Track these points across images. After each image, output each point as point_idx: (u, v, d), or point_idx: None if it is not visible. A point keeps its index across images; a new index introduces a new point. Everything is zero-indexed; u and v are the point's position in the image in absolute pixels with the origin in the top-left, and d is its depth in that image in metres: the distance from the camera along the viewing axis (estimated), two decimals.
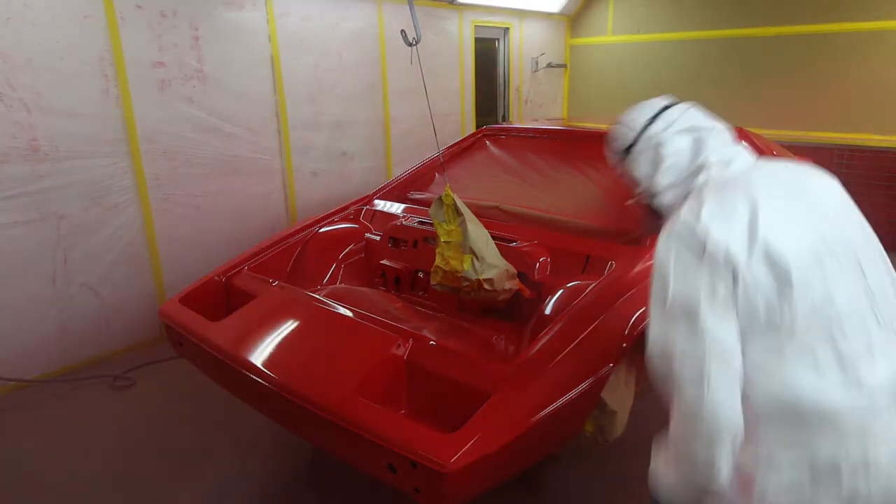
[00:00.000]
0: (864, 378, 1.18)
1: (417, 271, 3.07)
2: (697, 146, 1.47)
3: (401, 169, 5.43)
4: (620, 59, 7.55)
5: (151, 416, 3.28)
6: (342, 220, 3.50)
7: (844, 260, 1.26)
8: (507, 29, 6.93)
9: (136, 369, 3.76)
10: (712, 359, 1.19)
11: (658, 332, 1.31)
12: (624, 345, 2.26)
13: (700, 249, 1.24)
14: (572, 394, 2.02)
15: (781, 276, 1.19)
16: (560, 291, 2.53)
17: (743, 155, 1.45)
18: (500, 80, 7.15)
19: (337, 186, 5.19)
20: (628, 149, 1.64)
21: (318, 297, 2.67)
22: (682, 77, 7.07)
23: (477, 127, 6.57)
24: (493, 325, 2.74)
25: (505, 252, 2.71)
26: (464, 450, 1.73)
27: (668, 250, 1.32)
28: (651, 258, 2.79)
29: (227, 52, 4.22)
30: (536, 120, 5.65)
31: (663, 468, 1.41)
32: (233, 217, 4.43)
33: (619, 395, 2.50)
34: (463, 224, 2.49)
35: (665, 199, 1.51)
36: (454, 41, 6.20)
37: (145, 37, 3.76)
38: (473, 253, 2.47)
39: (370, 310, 2.54)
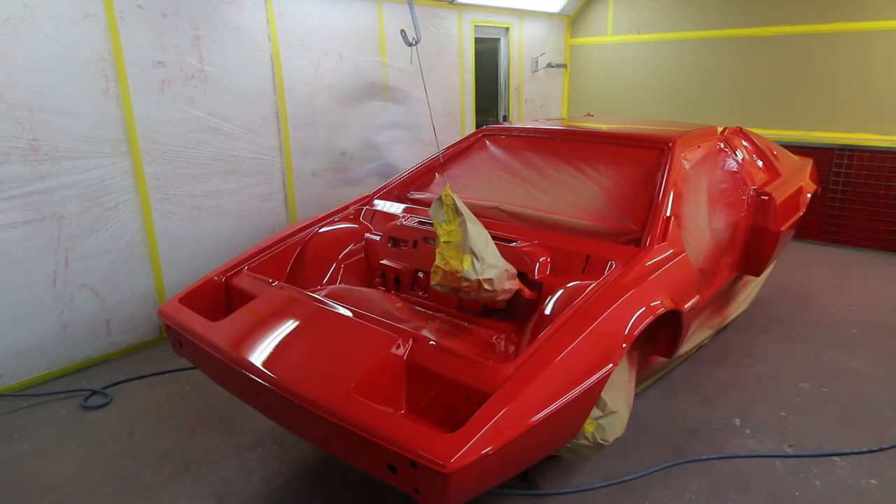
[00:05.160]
0: None
1: (417, 271, 3.08)
2: None
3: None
4: (620, 59, 7.54)
5: (151, 417, 3.28)
6: (342, 220, 3.50)
7: None
8: (507, 29, 6.93)
9: (137, 379, 3.76)
10: None
11: None
12: (624, 345, 2.26)
13: None
14: (572, 394, 2.02)
15: None
16: (560, 291, 2.53)
17: None
18: (500, 80, 7.15)
19: (337, 186, 5.18)
20: None
21: (318, 297, 2.67)
22: (682, 77, 7.07)
23: (477, 127, 6.57)
24: (493, 325, 2.74)
25: (505, 252, 2.71)
26: (464, 450, 1.73)
27: None
28: (651, 258, 2.80)
29: (228, 52, 4.22)
30: (536, 120, 5.65)
31: None
32: (233, 217, 4.43)
33: (619, 395, 2.50)
34: (463, 224, 2.49)
35: None
36: (454, 41, 6.20)
37: (146, 36, 3.76)
38: (473, 253, 2.47)
39: (370, 310, 2.54)
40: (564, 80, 8.01)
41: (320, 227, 3.38)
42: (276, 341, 2.38)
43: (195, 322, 2.60)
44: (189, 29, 3.97)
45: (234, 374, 2.32)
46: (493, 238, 2.65)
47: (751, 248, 3.56)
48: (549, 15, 7.42)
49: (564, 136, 3.77)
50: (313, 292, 2.81)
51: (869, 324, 4.25)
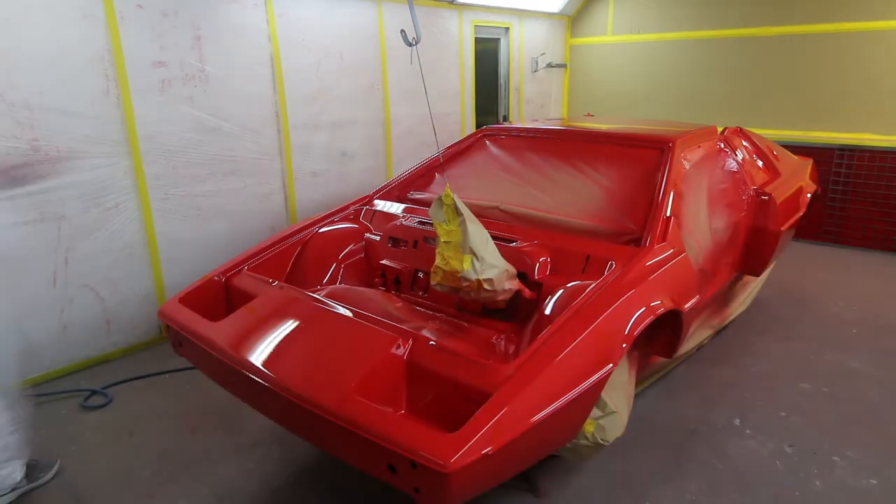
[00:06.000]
0: None
1: (417, 271, 3.07)
2: None
3: (401, 169, 5.44)
4: (620, 59, 7.54)
5: (151, 417, 3.28)
6: (342, 220, 3.50)
7: None
8: (507, 29, 6.93)
9: (137, 379, 3.76)
10: None
11: None
12: (624, 345, 2.26)
13: None
14: (572, 394, 2.02)
15: None
16: (560, 291, 2.53)
17: None
18: (500, 80, 7.15)
19: (337, 186, 5.19)
20: None
21: (318, 297, 2.66)
22: (682, 77, 7.07)
23: (477, 127, 6.58)
24: (493, 325, 2.74)
25: (505, 252, 2.71)
26: (464, 450, 1.73)
27: None
28: (651, 258, 2.80)
29: (228, 52, 4.22)
30: (536, 120, 5.65)
31: None
32: (233, 217, 4.43)
33: (619, 395, 2.50)
34: (463, 224, 2.49)
35: None
36: (454, 41, 6.20)
37: (146, 36, 3.76)
38: (473, 253, 2.47)
39: (370, 310, 2.54)
40: (564, 80, 8.01)
41: (320, 227, 3.38)
42: (276, 341, 2.38)
43: (195, 322, 2.60)
44: (189, 29, 3.97)
45: (234, 375, 2.32)
46: (493, 238, 2.64)
47: (751, 248, 3.56)
48: (549, 15, 7.42)
49: (564, 136, 3.77)
50: (313, 292, 2.81)
51: (869, 324, 4.25)
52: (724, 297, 3.62)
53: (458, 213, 2.50)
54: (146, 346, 4.08)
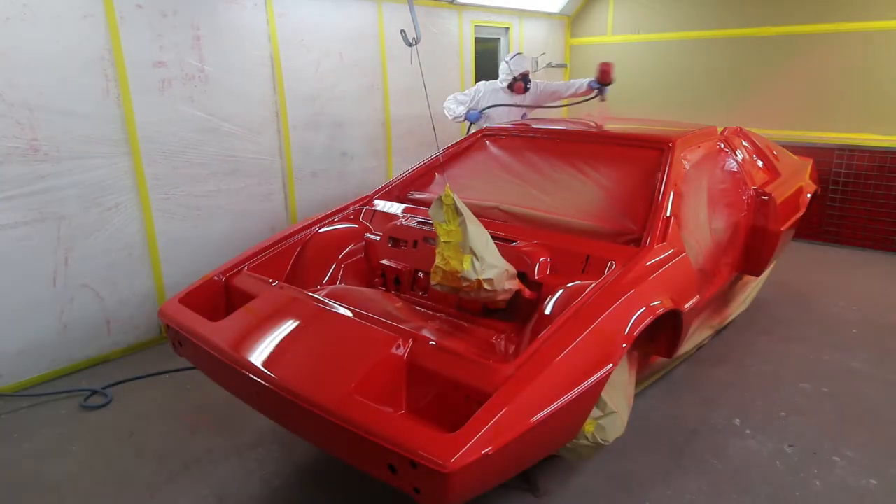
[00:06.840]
0: None
1: (417, 271, 3.07)
2: None
3: (401, 169, 5.44)
4: (620, 59, 7.52)
5: (151, 417, 3.28)
6: (342, 220, 3.50)
7: None
8: (508, 29, 6.94)
9: (137, 379, 3.76)
10: None
11: None
12: (624, 345, 2.26)
13: None
14: (572, 394, 2.02)
15: None
16: (560, 291, 2.53)
17: None
18: None
19: (337, 186, 5.19)
20: None
21: (318, 297, 2.66)
22: (682, 77, 7.07)
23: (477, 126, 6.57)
24: (493, 325, 2.74)
25: (505, 252, 2.71)
26: (464, 450, 1.73)
27: None
28: (651, 258, 2.81)
29: (228, 52, 4.22)
30: (536, 120, 5.64)
31: None
32: (233, 217, 4.43)
33: (619, 395, 2.51)
34: (463, 224, 2.49)
35: None
36: (454, 41, 6.21)
37: (146, 36, 3.76)
38: (473, 253, 2.47)
39: (370, 310, 2.54)
40: (564, 81, 8.00)
41: (320, 227, 3.38)
42: (276, 341, 2.38)
43: (195, 322, 2.60)
44: (189, 29, 3.97)
45: (234, 374, 2.32)
46: (493, 238, 2.64)
47: (751, 248, 3.56)
48: (549, 15, 7.42)
49: (564, 136, 3.77)
50: (313, 292, 2.81)
51: (869, 324, 4.25)
52: (724, 297, 3.62)
53: (458, 213, 2.49)
54: (146, 346, 4.08)
